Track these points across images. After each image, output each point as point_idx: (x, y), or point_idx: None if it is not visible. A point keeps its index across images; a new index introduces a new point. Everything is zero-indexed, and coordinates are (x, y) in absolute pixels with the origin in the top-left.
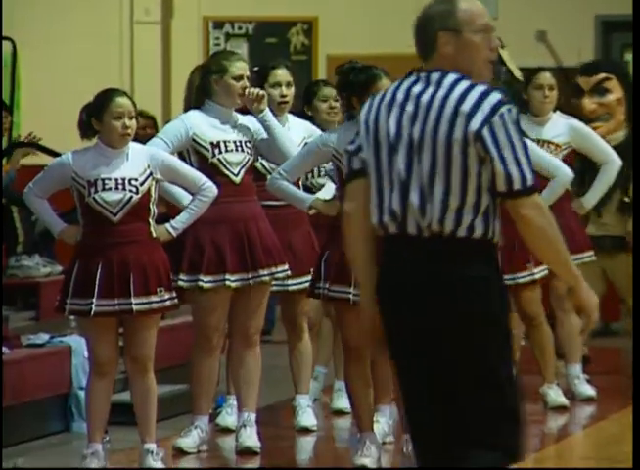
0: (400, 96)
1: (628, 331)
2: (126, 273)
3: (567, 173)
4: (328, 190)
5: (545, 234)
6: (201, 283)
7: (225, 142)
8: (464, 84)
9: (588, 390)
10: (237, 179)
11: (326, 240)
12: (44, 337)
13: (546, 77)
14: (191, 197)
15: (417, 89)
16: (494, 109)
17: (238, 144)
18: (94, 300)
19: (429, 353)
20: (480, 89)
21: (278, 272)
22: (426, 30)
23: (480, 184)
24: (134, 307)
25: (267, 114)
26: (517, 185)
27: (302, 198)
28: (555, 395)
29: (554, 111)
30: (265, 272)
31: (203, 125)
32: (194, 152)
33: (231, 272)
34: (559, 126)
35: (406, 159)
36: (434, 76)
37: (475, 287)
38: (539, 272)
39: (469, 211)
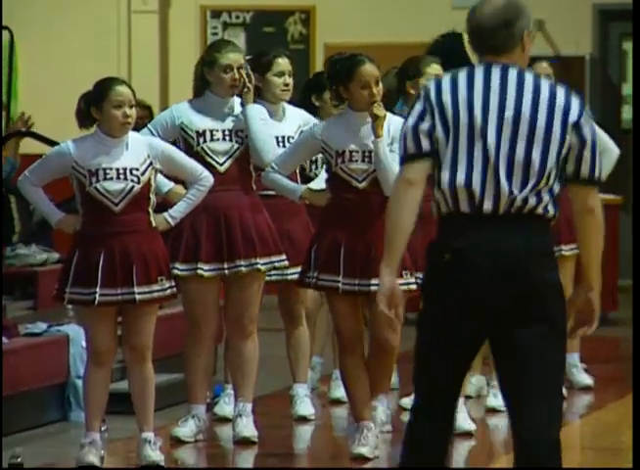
0: (479, 83)
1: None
2: (128, 263)
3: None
4: (319, 181)
5: (601, 228)
6: (176, 271)
7: (212, 131)
8: (546, 80)
9: (586, 379)
10: (222, 168)
11: (317, 229)
12: (42, 326)
13: (543, 67)
14: (171, 184)
15: (496, 80)
16: (582, 104)
17: (227, 133)
18: (97, 289)
19: (506, 328)
20: (562, 87)
21: (259, 264)
22: (515, 26)
23: (562, 171)
24: (137, 297)
25: (250, 108)
26: (597, 174)
27: (293, 189)
28: None
29: None
30: (243, 263)
31: (191, 114)
32: (182, 140)
33: (204, 261)
34: None
35: (495, 142)
36: (513, 70)
37: (548, 260)
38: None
39: (546, 193)
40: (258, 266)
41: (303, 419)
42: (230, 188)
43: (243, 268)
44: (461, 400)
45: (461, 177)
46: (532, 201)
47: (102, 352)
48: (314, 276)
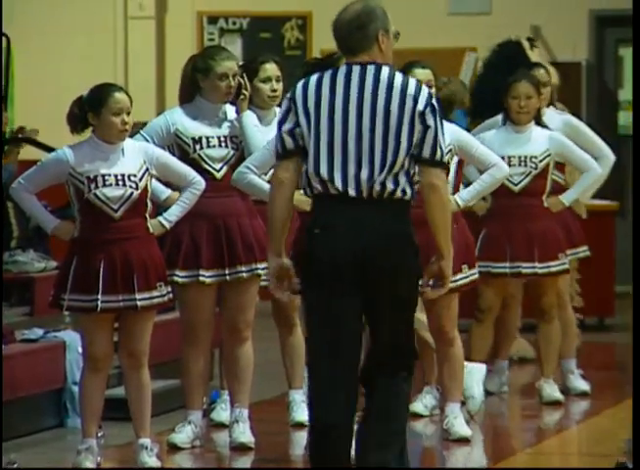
0: (340, 84)
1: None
2: (129, 269)
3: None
4: None
5: (445, 203)
6: (176, 278)
7: (208, 138)
8: (400, 74)
9: (582, 385)
10: (219, 175)
11: (303, 235)
12: (38, 332)
13: (541, 74)
14: (169, 191)
15: (356, 78)
16: (430, 95)
17: (222, 139)
18: (99, 296)
19: (366, 289)
20: (414, 80)
21: (259, 269)
22: (368, 29)
23: (413, 154)
24: (138, 303)
25: (245, 116)
26: (438, 156)
27: None
28: (550, 390)
29: (547, 106)
30: (244, 269)
31: (186, 121)
32: (177, 147)
33: (205, 268)
34: (552, 121)
35: (356, 134)
36: (371, 68)
37: (403, 239)
38: (567, 263)
39: (402, 177)
40: (258, 271)
41: (300, 425)
42: (227, 194)
43: (244, 274)
44: (457, 406)
45: (324, 168)
46: (390, 185)
47: (99, 359)
48: None
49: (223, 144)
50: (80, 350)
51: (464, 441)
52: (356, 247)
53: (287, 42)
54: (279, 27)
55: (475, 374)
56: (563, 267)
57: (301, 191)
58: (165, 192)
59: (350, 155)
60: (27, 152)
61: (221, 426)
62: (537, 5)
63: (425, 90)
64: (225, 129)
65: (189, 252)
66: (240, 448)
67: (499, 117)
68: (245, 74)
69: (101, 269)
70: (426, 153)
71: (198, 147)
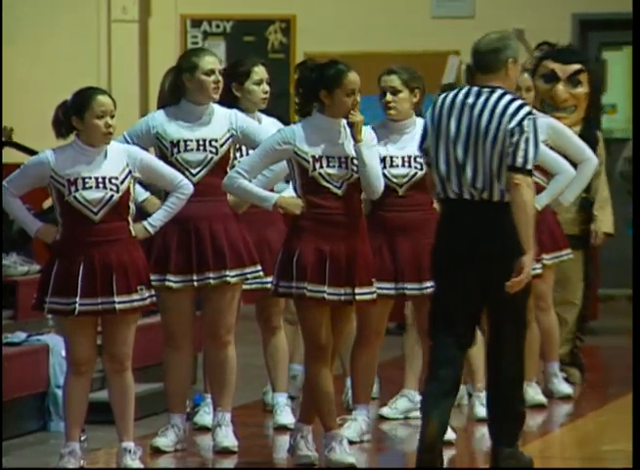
0: (458, 104)
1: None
2: (108, 272)
3: (571, 170)
4: (290, 190)
5: (525, 202)
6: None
7: (186, 141)
8: (508, 97)
9: (566, 388)
10: (194, 179)
11: (292, 238)
12: (21, 335)
13: (524, 79)
14: (147, 194)
15: (471, 100)
16: (524, 116)
17: (201, 143)
18: (77, 299)
19: (477, 272)
20: (518, 102)
21: (228, 276)
22: (501, 53)
23: (506, 163)
24: (117, 306)
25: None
26: (518, 164)
27: (266, 197)
28: (534, 393)
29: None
30: (212, 275)
31: (167, 124)
32: (158, 150)
33: (172, 273)
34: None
35: (464, 146)
36: (485, 91)
37: (498, 229)
38: (538, 269)
39: (497, 184)
40: (227, 279)
41: (284, 428)
42: (201, 199)
43: (212, 281)
44: None
45: (444, 174)
46: (487, 192)
47: (82, 362)
48: (300, 286)
49: (201, 148)
50: (64, 353)
51: (448, 444)
52: (466, 238)
53: (270, 45)
54: (263, 31)
55: None
56: (534, 272)
57: (292, 193)
58: (144, 194)
59: (460, 167)
60: (11, 155)
61: (205, 430)
62: (521, 9)
63: (522, 112)
64: (208, 133)
65: (159, 255)
66: (223, 452)
67: None
68: (222, 75)
69: (80, 272)
70: (510, 161)
71: (175, 151)
